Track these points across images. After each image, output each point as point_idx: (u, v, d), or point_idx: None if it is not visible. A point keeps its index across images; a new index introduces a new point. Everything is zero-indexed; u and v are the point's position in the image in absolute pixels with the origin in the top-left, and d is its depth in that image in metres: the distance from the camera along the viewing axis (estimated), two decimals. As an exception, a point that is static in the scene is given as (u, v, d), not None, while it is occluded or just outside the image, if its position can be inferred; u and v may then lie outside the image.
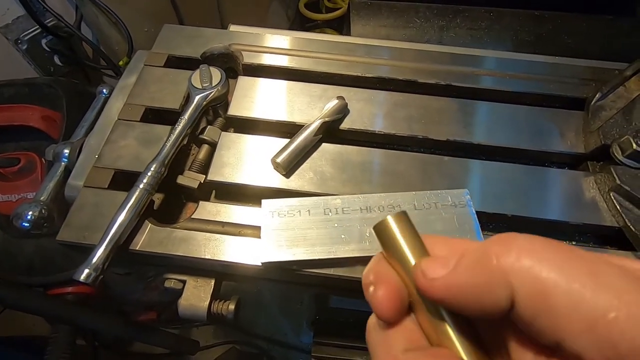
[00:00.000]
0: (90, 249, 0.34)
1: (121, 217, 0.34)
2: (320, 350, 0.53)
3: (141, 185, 0.36)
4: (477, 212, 0.36)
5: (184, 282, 0.38)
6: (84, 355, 1.11)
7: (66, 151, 0.51)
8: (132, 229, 0.36)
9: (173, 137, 0.40)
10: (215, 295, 0.38)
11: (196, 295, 0.37)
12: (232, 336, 1.29)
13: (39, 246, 0.79)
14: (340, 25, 0.95)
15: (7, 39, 0.89)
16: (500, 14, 0.63)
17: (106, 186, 0.39)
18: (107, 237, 0.33)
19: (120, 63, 0.97)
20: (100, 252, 0.32)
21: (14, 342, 1.17)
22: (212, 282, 0.38)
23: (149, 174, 0.37)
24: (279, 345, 1.28)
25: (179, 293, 0.39)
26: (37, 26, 0.89)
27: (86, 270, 0.31)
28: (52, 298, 0.79)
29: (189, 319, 0.37)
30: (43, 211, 0.48)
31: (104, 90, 0.61)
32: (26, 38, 0.90)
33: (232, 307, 0.38)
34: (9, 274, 0.77)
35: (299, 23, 1.02)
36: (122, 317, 0.96)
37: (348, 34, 0.66)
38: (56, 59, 0.97)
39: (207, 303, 0.37)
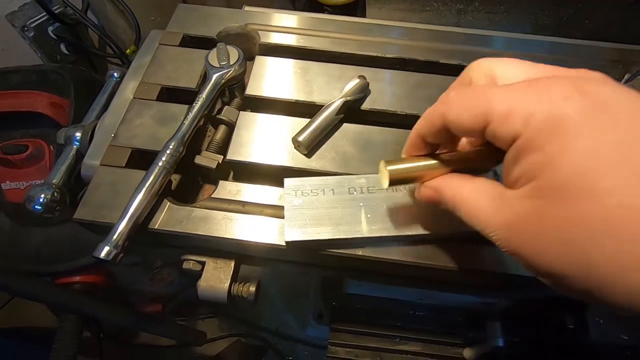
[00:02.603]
0: (108, 228, 0.33)
1: (140, 195, 0.33)
2: (337, 337, 0.52)
3: (160, 163, 0.35)
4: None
5: (203, 263, 0.37)
6: (90, 346, 1.11)
7: (78, 134, 0.50)
8: (151, 208, 0.35)
9: (191, 115, 0.38)
10: (235, 277, 0.37)
11: (216, 277, 0.36)
12: (238, 329, 1.28)
13: (47, 235, 0.78)
14: (350, 14, 0.93)
15: (14, 26, 0.88)
16: (519, -2, 0.62)
17: (123, 165, 0.38)
18: (126, 214, 0.32)
19: (128, 51, 0.96)
20: (120, 229, 0.31)
21: (19, 333, 1.17)
22: (232, 263, 0.37)
23: (168, 152, 0.36)
24: (285, 338, 1.27)
25: (196, 276, 0.39)
26: (44, 13, 0.88)
27: (106, 248, 0.30)
28: (61, 287, 0.78)
29: (208, 301, 0.36)
30: (55, 194, 0.47)
31: (115, 74, 0.60)
32: (33, 25, 0.89)
33: (252, 289, 0.37)
34: (17, 262, 0.77)
35: (306, 9, 1.00)
36: (130, 308, 0.95)
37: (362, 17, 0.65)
38: (63, 47, 0.96)
39: (227, 285, 0.36)
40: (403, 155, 0.30)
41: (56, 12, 0.87)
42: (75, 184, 0.51)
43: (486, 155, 0.26)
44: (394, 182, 0.28)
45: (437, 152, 0.29)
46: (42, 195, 0.47)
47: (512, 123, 0.20)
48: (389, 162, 0.28)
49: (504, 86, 0.22)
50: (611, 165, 0.18)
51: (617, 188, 0.18)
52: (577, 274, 0.19)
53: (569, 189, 0.19)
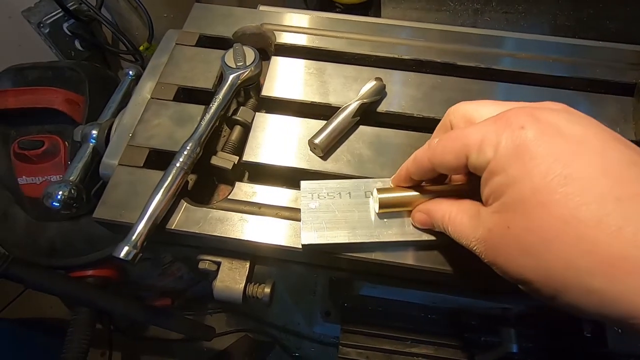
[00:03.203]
0: (126, 228, 0.33)
1: (159, 196, 0.33)
2: (349, 338, 0.52)
3: (177, 164, 0.35)
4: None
5: (218, 263, 0.37)
6: (100, 338, 1.13)
7: (94, 132, 0.51)
8: (169, 209, 0.35)
9: (208, 116, 0.39)
10: (250, 278, 0.38)
11: (231, 277, 0.37)
12: (245, 324, 1.30)
13: (61, 229, 0.79)
14: (363, 13, 0.92)
15: (30, 23, 0.89)
16: (538, -2, 0.61)
17: (141, 165, 0.38)
18: (145, 215, 0.32)
19: (141, 48, 0.97)
20: (139, 229, 0.32)
21: (32, 323, 1.20)
22: (247, 264, 0.37)
23: (185, 152, 0.36)
24: (292, 335, 1.28)
25: (211, 276, 0.39)
26: (59, 10, 0.89)
27: (126, 248, 0.31)
28: (75, 281, 0.79)
29: (223, 301, 0.36)
30: (73, 191, 0.48)
31: (130, 72, 0.60)
32: (48, 22, 0.90)
33: (267, 290, 0.37)
34: (32, 256, 0.78)
35: (318, 8, 1.00)
36: (141, 302, 0.97)
37: (377, 17, 0.64)
38: (77, 44, 0.97)
39: (242, 285, 0.36)
40: (390, 183, 0.34)
41: (71, 8, 0.88)
42: (90, 181, 0.52)
43: (460, 191, 0.31)
44: (384, 207, 0.32)
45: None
46: (60, 192, 0.48)
47: (485, 152, 0.24)
48: (380, 190, 0.32)
49: (477, 123, 0.26)
50: (561, 183, 0.21)
51: (567, 201, 0.20)
52: (540, 280, 0.22)
53: (527, 203, 0.22)
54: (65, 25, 0.92)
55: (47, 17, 0.89)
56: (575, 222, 0.20)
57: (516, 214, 0.22)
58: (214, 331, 1.06)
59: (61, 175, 0.55)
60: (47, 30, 0.90)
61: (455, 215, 0.28)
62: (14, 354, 0.99)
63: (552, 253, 0.21)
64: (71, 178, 0.49)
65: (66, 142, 0.75)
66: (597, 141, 0.22)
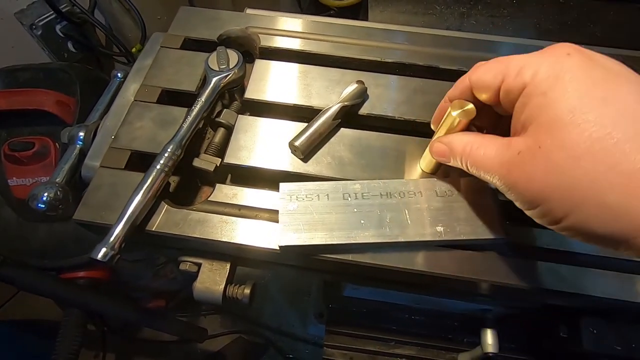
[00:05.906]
0: (106, 229, 0.33)
1: (138, 197, 0.34)
2: (333, 339, 0.52)
3: (158, 166, 0.35)
4: (501, 200, 0.35)
5: (199, 265, 0.38)
6: (93, 340, 1.13)
7: (81, 134, 0.51)
8: (149, 210, 0.35)
9: (190, 118, 0.39)
10: (230, 279, 0.38)
11: (211, 279, 0.37)
12: (239, 326, 1.30)
13: (52, 230, 0.79)
14: (354, 15, 0.93)
15: (22, 24, 0.89)
16: (523, 2, 0.61)
17: (123, 167, 0.38)
18: (124, 216, 0.33)
19: (133, 50, 0.97)
20: (117, 231, 0.32)
21: (25, 325, 1.20)
22: (228, 265, 0.38)
23: (166, 154, 0.36)
24: (286, 336, 1.28)
25: (192, 277, 0.39)
26: (52, 11, 0.89)
27: (103, 249, 0.31)
28: (66, 282, 0.79)
29: (204, 303, 0.37)
30: (58, 193, 0.48)
31: (119, 74, 0.61)
32: (41, 23, 0.91)
33: (247, 291, 0.37)
34: (23, 257, 0.78)
35: (312, 11, 1.01)
36: (133, 303, 0.97)
37: (365, 20, 0.65)
38: (70, 45, 0.97)
39: (222, 287, 0.37)
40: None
41: (64, 10, 0.89)
42: (79, 182, 0.52)
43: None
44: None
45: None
46: (46, 194, 0.48)
47: (522, 76, 0.25)
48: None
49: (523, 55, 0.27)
50: (598, 104, 0.22)
51: (602, 120, 0.21)
52: (559, 197, 0.23)
53: (561, 121, 0.22)
54: (57, 27, 0.93)
55: (39, 19, 0.90)
56: (607, 139, 0.21)
57: (549, 134, 0.23)
58: (206, 333, 1.06)
59: (51, 177, 0.56)
60: (40, 32, 0.90)
61: (479, 147, 0.28)
62: (8, 355, 0.99)
63: (579, 169, 0.22)
64: (57, 180, 0.50)
65: (57, 144, 0.75)
66: (633, 76, 0.23)
